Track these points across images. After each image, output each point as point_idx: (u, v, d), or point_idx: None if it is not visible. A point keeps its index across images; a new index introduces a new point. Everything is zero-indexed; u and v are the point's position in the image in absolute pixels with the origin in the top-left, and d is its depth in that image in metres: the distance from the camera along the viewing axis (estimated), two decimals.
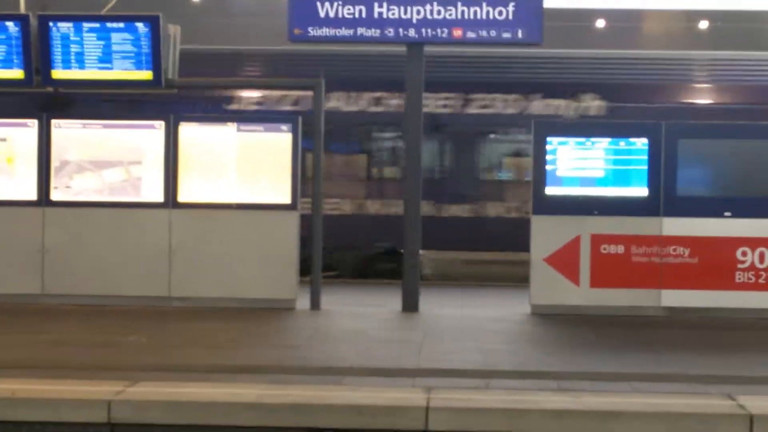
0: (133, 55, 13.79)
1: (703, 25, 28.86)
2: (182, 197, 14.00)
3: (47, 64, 13.84)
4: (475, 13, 13.75)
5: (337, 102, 18.13)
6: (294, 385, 8.98)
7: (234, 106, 18.35)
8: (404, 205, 14.18)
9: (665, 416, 8.27)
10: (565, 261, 13.67)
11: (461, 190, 18.43)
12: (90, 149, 14.14)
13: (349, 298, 15.22)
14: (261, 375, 9.42)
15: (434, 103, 18.04)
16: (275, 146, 13.97)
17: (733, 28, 27.51)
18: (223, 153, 14.04)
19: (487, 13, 13.73)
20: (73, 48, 13.82)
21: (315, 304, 13.92)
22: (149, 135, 14.09)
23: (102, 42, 13.79)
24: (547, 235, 13.71)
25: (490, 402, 8.53)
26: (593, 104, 18.18)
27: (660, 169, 13.65)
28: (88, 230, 14.03)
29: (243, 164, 14.03)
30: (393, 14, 13.81)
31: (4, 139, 14.18)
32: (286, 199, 13.89)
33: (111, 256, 13.96)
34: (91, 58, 13.82)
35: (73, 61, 13.84)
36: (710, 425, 8.24)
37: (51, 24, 13.76)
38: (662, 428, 8.24)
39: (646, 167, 13.70)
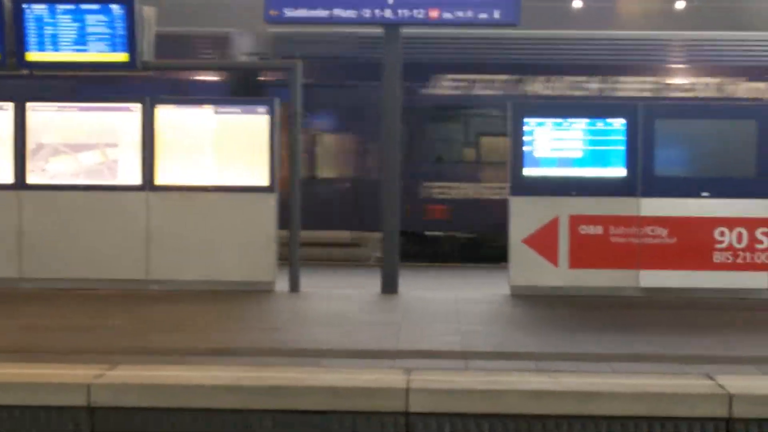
0: (108, 37, 13.72)
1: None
2: (160, 180, 13.94)
3: (21, 47, 13.75)
4: None
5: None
6: (272, 367, 8.96)
7: None
8: (383, 186, 14.15)
9: (644, 396, 8.29)
10: (543, 242, 13.67)
11: None
12: (66, 132, 14.06)
13: (328, 280, 15.21)
14: (239, 357, 9.40)
15: None
16: (253, 128, 13.92)
17: None
18: (201, 135, 13.99)
19: None
20: (48, 30, 13.74)
21: (294, 287, 13.89)
22: (126, 117, 14.01)
23: (77, 24, 13.72)
24: (525, 216, 13.71)
25: (470, 383, 8.53)
26: None
27: (638, 150, 13.66)
28: (64, 214, 13.96)
29: (221, 146, 13.98)
30: None
31: None
32: (264, 181, 13.85)
33: (88, 239, 13.89)
34: (66, 40, 13.75)
35: (47, 43, 13.76)
36: (689, 405, 8.25)
37: (25, 6, 13.68)
38: (641, 408, 8.25)
39: (623, 147, 13.70)
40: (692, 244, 13.62)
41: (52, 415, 8.40)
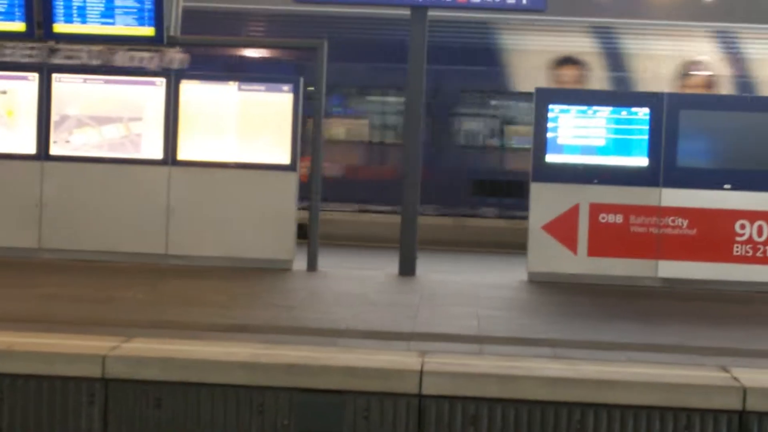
0: (135, 10, 13.74)
1: None
2: (182, 155, 13.96)
3: (49, 18, 13.79)
4: None
5: None
6: (288, 346, 8.98)
7: None
8: (404, 171, 14.15)
9: (659, 386, 8.29)
10: (563, 229, 13.66)
11: None
12: (90, 104, 14.09)
13: (346, 260, 15.22)
14: (256, 335, 9.43)
15: None
16: (276, 106, 13.92)
17: None
18: (224, 112, 14.00)
19: None
20: (76, 2, 13.77)
21: (312, 266, 13.92)
22: (150, 92, 14.02)
23: None
24: (545, 202, 13.69)
25: (485, 367, 8.54)
26: None
27: (661, 140, 13.62)
28: (86, 186, 13.99)
29: (243, 124, 13.99)
30: None
31: (4, 92, 14.12)
32: (285, 159, 13.86)
33: (109, 212, 13.93)
34: (93, 12, 13.77)
35: (75, 15, 13.79)
36: (704, 396, 8.25)
37: None
38: (656, 398, 8.25)
39: (646, 137, 13.66)
40: (712, 235, 13.58)
41: (68, 386, 8.44)
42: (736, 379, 8.44)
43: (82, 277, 12.65)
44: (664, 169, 13.63)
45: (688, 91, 18.52)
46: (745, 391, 8.24)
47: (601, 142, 13.72)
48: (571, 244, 13.64)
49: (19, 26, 13.84)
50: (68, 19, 13.79)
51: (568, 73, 19.41)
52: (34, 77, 14.06)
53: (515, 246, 15.14)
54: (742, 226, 13.53)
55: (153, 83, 14.03)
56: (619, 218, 13.62)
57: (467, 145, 19.91)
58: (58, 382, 8.45)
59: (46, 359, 8.48)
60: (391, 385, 8.35)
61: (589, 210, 13.64)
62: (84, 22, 13.79)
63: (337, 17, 18.13)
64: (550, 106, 13.73)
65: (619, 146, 13.71)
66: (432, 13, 13.91)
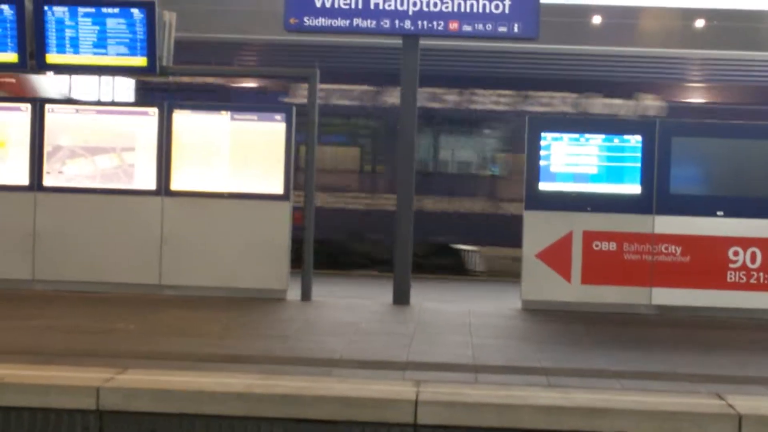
0: (128, 41, 13.76)
1: None
2: (175, 185, 13.97)
3: (42, 48, 13.80)
4: (472, 6, 13.72)
5: None
6: (283, 376, 8.96)
7: None
8: (397, 198, 14.16)
9: (654, 414, 8.27)
10: (556, 257, 13.67)
11: None
12: (83, 135, 14.10)
13: (340, 289, 15.21)
14: (250, 365, 9.41)
15: None
16: (269, 136, 13.94)
17: None
18: (217, 141, 14.02)
19: (484, 6, 13.70)
20: (68, 32, 13.78)
21: (306, 295, 13.90)
22: (143, 122, 14.05)
23: (97, 27, 13.77)
24: (539, 230, 13.71)
25: (480, 396, 8.52)
26: None
27: (653, 167, 13.65)
28: (79, 216, 13.99)
29: (236, 153, 14.00)
30: (389, 5, 13.78)
31: None
32: (278, 189, 13.86)
33: (102, 243, 13.92)
34: (85, 43, 13.79)
35: (67, 45, 13.81)
36: (699, 424, 8.23)
37: (46, 8, 13.73)
38: (650, 426, 8.23)
39: (639, 164, 13.69)
40: (706, 262, 13.60)
41: (62, 418, 8.41)
42: (731, 406, 8.43)
43: (76, 308, 12.63)
44: (657, 197, 13.65)
45: None
46: (740, 419, 8.22)
47: (594, 170, 13.74)
48: (564, 272, 13.65)
49: (11, 57, 13.85)
50: (61, 50, 13.81)
51: None
52: (26, 108, 14.07)
53: None
54: (736, 253, 13.54)
55: (146, 113, 14.05)
56: (612, 246, 13.64)
57: None
58: (53, 415, 8.42)
59: (40, 391, 8.44)
60: (386, 415, 8.33)
61: (582, 238, 13.65)
62: (76, 52, 13.81)
63: None
64: (543, 134, 13.77)
65: (612, 174, 13.73)
66: None
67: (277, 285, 13.87)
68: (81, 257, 13.93)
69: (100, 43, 13.80)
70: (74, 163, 14.08)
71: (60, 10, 13.73)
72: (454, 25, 13.78)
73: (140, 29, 13.71)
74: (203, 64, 17.56)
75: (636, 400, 8.54)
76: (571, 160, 13.76)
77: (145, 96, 18.89)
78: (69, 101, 14.46)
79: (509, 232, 15.68)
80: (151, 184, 13.97)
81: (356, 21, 13.83)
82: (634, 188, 13.69)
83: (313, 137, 14.05)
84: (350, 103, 19.05)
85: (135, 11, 13.68)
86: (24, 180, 14.04)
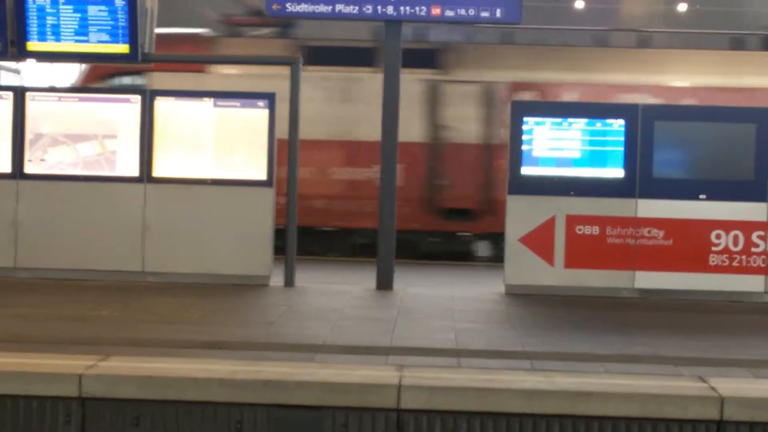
0: (109, 28, 13.71)
1: None
2: (157, 172, 13.94)
3: (23, 36, 13.74)
4: None
5: None
6: (266, 362, 8.96)
7: None
8: (380, 183, 14.16)
9: (636, 397, 8.29)
10: (540, 241, 13.68)
11: None
12: (65, 122, 14.05)
13: (323, 275, 15.21)
14: (233, 351, 9.40)
15: None
16: (252, 122, 13.92)
17: None
18: (200, 128, 13.98)
19: None
20: (49, 20, 13.72)
21: (289, 281, 13.91)
22: (125, 109, 14.00)
23: (78, 14, 13.71)
24: (522, 215, 13.72)
25: (463, 381, 8.53)
26: None
27: (636, 151, 13.67)
28: (61, 204, 13.95)
29: (219, 140, 13.97)
30: None
31: None
32: (261, 175, 13.85)
33: (85, 230, 13.89)
34: (67, 30, 13.73)
35: (49, 33, 13.74)
36: (681, 407, 8.26)
37: None
38: (633, 409, 8.26)
39: (622, 149, 13.71)
40: (688, 246, 13.63)
41: (45, 405, 8.40)
42: (713, 388, 8.46)
43: (59, 296, 12.60)
44: (640, 180, 13.67)
45: None
46: (722, 401, 8.25)
47: (577, 154, 13.76)
48: (547, 256, 13.67)
49: None
50: (42, 38, 13.74)
51: None
52: (8, 96, 14.01)
53: None
54: (718, 236, 13.58)
55: (128, 100, 14.01)
56: (595, 230, 13.66)
57: None
58: (35, 402, 8.40)
59: (21, 379, 8.43)
60: (369, 400, 8.34)
61: (565, 222, 13.67)
62: (58, 40, 13.75)
63: None
64: (525, 119, 13.77)
65: (595, 158, 13.75)
66: None
67: (261, 271, 13.86)
68: (63, 245, 13.90)
69: (82, 30, 13.75)
70: (56, 151, 14.03)
71: None
72: (436, 11, 13.76)
73: (122, 16, 13.65)
74: None
75: (619, 383, 8.56)
76: (554, 144, 13.77)
77: None
78: (51, 89, 14.29)
79: None
80: (133, 171, 13.93)
81: (339, 6, 13.80)
82: (617, 172, 13.71)
83: (296, 124, 14.01)
84: None
85: None
86: (6, 168, 13.99)
